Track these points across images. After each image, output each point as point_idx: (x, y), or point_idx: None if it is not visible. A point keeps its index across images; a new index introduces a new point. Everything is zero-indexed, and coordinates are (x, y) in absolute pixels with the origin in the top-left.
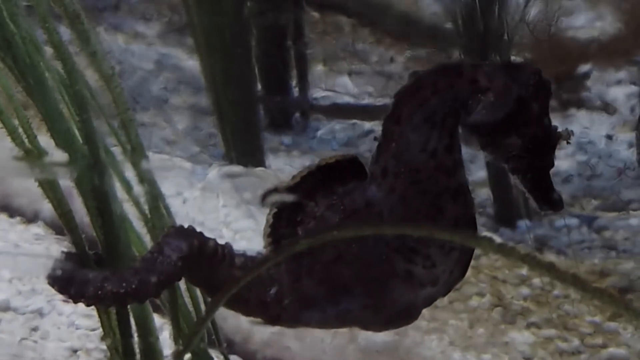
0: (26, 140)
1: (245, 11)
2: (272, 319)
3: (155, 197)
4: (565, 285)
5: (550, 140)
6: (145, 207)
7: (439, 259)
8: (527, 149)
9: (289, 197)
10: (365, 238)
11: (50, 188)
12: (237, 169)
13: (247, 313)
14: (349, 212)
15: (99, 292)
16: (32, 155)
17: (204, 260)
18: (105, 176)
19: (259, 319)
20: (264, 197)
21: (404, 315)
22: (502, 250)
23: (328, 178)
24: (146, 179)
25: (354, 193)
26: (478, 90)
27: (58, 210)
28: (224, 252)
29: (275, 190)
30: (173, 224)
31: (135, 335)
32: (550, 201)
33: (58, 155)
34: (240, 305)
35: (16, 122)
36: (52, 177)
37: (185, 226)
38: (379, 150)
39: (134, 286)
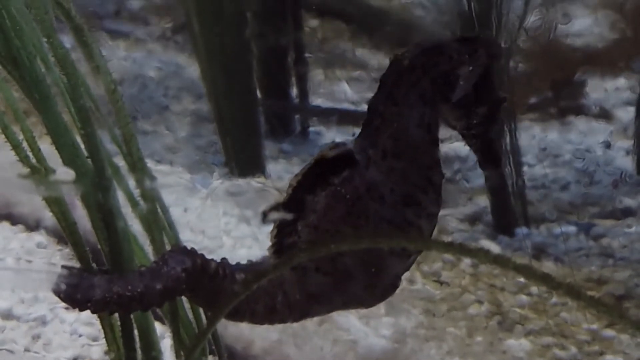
0: (30, 154)
1: (247, 32)
2: (281, 322)
3: (156, 211)
4: (560, 294)
5: (500, 105)
6: (148, 219)
7: (426, 227)
8: (489, 115)
9: (288, 215)
10: (368, 222)
11: (54, 202)
12: (237, 183)
13: (255, 323)
14: (353, 199)
15: (106, 294)
16: (38, 172)
17: (207, 279)
18: (110, 191)
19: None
20: (265, 215)
21: (392, 287)
22: (498, 261)
23: (324, 170)
24: (149, 195)
25: (353, 180)
26: (454, 65)
27: (62, 223)
28: (225, 271)
29: (275, 207)
30: (176, 235)
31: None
32: (498, 161)
33: (63, 171)
34: (249, 316)
35: (21, 136)
36: (57, 194)
37: (188, 232)
38: (377, 133)
39: (139, 290)
